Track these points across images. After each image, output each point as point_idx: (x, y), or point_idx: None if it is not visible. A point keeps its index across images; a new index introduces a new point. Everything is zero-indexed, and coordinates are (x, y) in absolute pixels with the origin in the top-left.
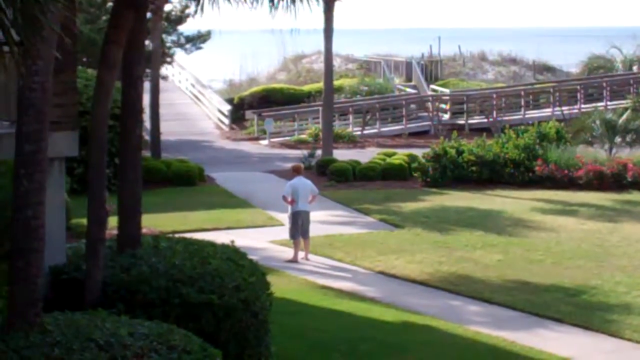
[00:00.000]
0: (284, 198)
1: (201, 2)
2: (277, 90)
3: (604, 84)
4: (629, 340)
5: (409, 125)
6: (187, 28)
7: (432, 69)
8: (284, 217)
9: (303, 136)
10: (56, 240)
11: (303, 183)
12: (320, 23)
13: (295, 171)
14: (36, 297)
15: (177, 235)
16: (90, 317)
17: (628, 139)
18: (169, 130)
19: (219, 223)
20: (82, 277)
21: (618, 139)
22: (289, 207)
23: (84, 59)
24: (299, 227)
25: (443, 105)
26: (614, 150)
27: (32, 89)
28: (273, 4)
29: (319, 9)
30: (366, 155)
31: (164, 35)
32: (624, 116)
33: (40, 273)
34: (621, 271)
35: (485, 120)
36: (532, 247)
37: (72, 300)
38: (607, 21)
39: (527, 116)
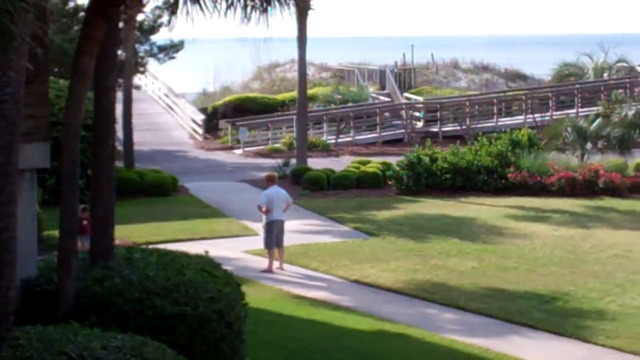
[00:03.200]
0: (259, 208)
1: (174, 11)
2: (251, 99)
3: (575, 91)
4: (603, 346)
5: (383, 134)
6: (160, 37)
7: (405, 77)
8: (259, 227)
9: (277, 145)
10: (28, 252)
11: (277, 192)
12: (293, 32)
13: (270, 180)
14: (7, 310)
15: (150, 246)
16: (63, 330)
17: (599, 145)
18: (142, 141)
19: (193, 233)
20: (54, 289)
21: (589, 146)
22: (264, 217)
23: (56, 70)
24: (274, 236)
25: (417, 113)
26: (585, 157)
27: (3, 100)
28: (245, 14)
29: (292, 18)
30: (340, 164)
31: (136, 45)
32: (595, 123)
33: (11, 286)
34: (594, 277)
35: (459, 127)
36: (505, 254)
37: (44, 313)
38: (577, 29)
39: (499, 123)
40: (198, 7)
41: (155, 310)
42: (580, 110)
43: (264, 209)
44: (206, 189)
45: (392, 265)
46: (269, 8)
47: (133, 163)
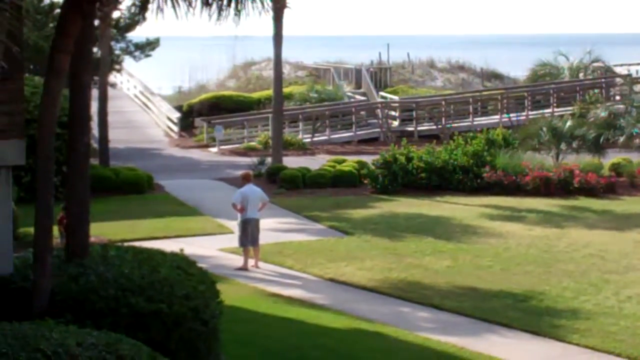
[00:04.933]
0: (234, 206)
1: (145, 7)
2: (227, 97)
3: (551, 91)
4: (577, 345)
5: (358, 132)
6: (136, 35)
7: (381, 76)
8: (234, 225)
9: (253, 143)
10: (3, 249)
11: (253, 190)
12: (270, 30)
13: (245, 179)
14: None
15: (126, 244)
16: (38, 327)
17: (574, 145)
18: (118, 138)
19: (169, 231)
20: (30, 286)
21: (564, 146)
22: (239, 215)
23: (31, 67)
24: (249, 234)
25: (392, 112)
26: (560, 157)
27: None
28: (220, 13)
29: (268, 17)
30: (316, 163)
31: (112, 43)
32: (570, 123)
33: None
34: (568, 276)
35: (435, 127)
36: (480, 253)
37: (19, 310)
38: (555, 28)
39: (475, 123)
40: (172, 5)
41: (130, 308)
42: (555, 110)
43: (238, 207)
44: (182, 187)
45: (367, 264)
46: (243, 7)
47: (108, 161)
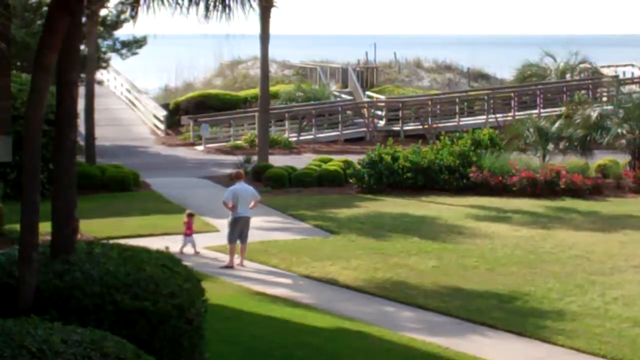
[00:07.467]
0: (225, 204)
1: (136, 6)
2: (213, 95)
3: (538, 92)
4: (562, 346)
5: (344, 132)
6: (123, 33)
7: (367, 75)
8: (219, 223)
9: (239, 142)
10: None
11: (244, 188)
12: (256, 29)
13: (237, 177)
14: None
15: (111, 241)
16: (23, 324)
17: (561, 146)
18: (104, 136)
19: (154, 229)
20: (15, 283)
21: (551, 146)
22: (230, 213)
23: (18, 64)
24: (237, 231)
25: (378, 112)
26: (547, 158)
27: None
28: (207, 11)
29: (255, 15)
30: (302, 161)
31: (99, 40)
32: (557, 124)
33: None
34: (554, 277)
35: (421, 126)
36: (466, 254)
37: (4, 307)
38: (542, 30)
39: (461, 123)
40: (160, 3)
41: (115, 305)
42: (542, 110)
43: (230, 205)
44: (167, 184)
45: (352, 263)
46: (230, 5)
47: (94, 158)
